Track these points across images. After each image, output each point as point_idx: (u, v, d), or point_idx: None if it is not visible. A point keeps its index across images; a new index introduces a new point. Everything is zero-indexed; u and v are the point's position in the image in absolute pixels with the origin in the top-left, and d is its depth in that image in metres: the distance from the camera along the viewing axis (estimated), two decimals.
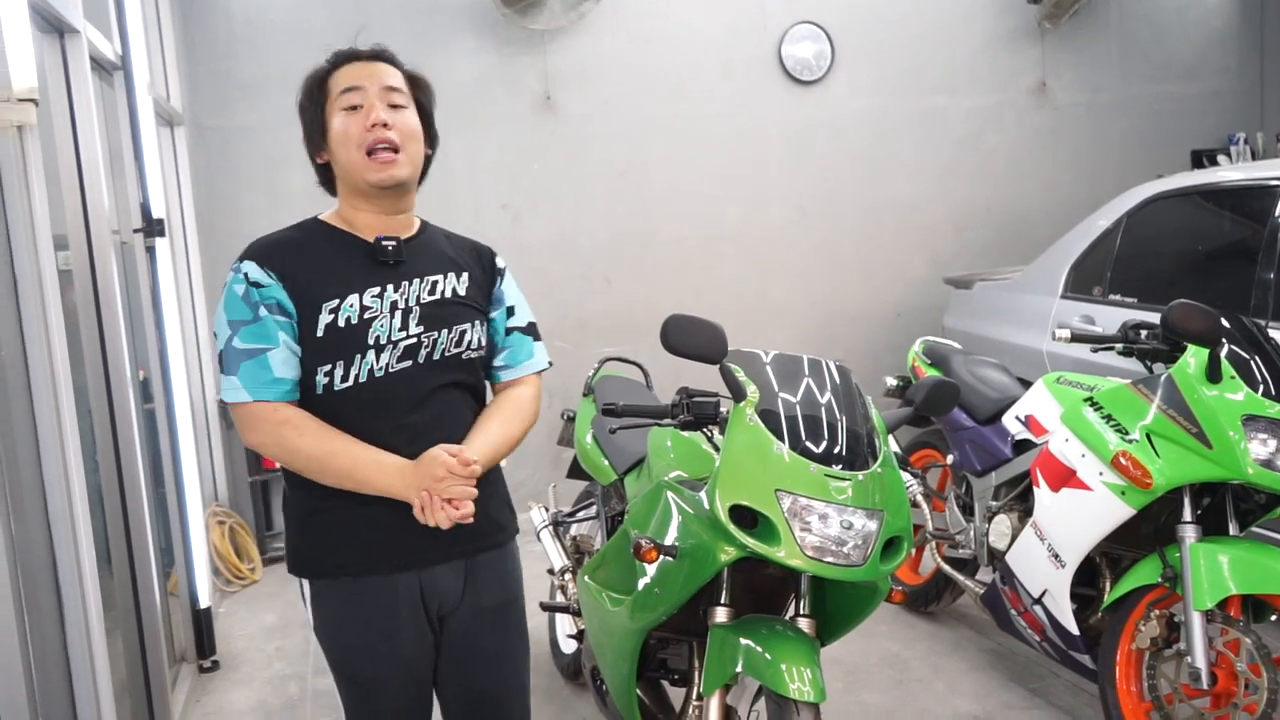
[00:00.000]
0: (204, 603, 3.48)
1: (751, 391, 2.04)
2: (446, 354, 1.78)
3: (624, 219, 5.40)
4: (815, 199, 5.73)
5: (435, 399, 1.77)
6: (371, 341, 1.70)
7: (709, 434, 2.31)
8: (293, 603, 4.17)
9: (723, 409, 2.15)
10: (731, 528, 1.88)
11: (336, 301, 1.69)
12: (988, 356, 3.68)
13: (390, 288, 1.74)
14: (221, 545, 4.40)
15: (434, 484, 1.63)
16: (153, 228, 3.28)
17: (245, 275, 1.68)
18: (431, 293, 1.79)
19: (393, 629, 1.75)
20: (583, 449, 3.08)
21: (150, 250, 3.30)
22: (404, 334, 1.73)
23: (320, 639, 1.79)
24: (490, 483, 1.84)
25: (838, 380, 2.13)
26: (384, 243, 1.76)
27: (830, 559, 1.87)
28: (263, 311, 1.65)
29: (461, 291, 1.84)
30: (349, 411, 1.69)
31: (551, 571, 3.22)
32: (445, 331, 1.78)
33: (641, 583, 2.16)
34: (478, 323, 1.85)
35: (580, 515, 3.20)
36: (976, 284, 4.93)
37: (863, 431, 2.05)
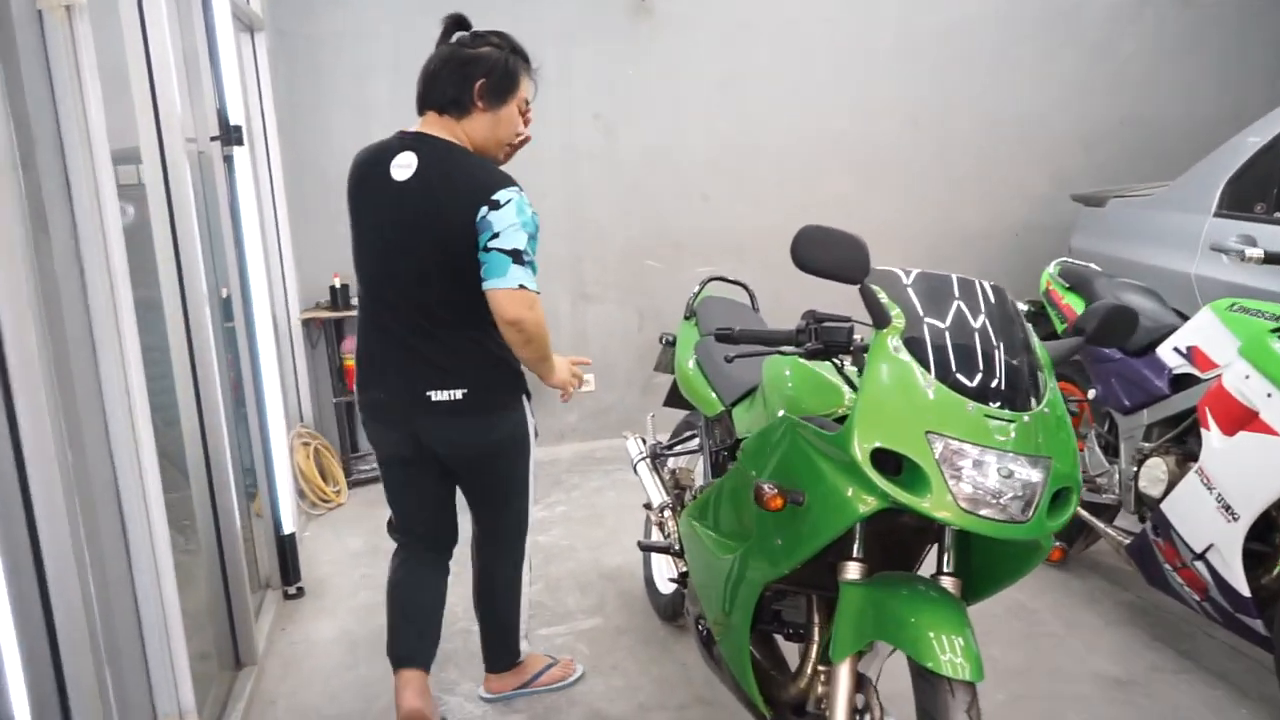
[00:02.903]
0: (288, 528, 3.37)
1: (896, 316, 1.75)
2: None
3: (723, 132, 5.06)
4: (929, 110, 5.29)
5: None
6: None
7: (838, 364, 2.03)
8: (379, 528, 4.05)
9: (856, 336, 1.87)
10: (874, 475, 1.62)
11: None
12: (1133, 279, 3.29)
13: None
14: (306, 467, 4.31)
15: (573, 378, 2.55)
16: (231, 136, 3.09)
17: (529, 203, 2.25)
18: None
19: None
20: (684, 376, 2.83)
21: (228, 160, 3.12)
22: None
23: (532, 431, 2.53)
24: None
25: (993, 303, 1.83)
26: None
27: (988, 513, 1.60)
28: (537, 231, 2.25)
29: None
30: None
31: (648, 507, 3.00)
32: None
33: (761, 531, 1.92)
34: None
35: (680, 448, 2.96)
36: (1110, 201, 4.48)
37: (1024, 364, 1.75)
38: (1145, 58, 5.46)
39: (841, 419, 2.00)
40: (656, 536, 3.09)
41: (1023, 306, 3.52)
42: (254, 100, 4.19)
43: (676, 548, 2.67)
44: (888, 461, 1.65)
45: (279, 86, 4.43)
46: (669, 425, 3.23)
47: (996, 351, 1.73)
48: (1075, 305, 3.20)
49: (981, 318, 1.78)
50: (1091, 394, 3.06)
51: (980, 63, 5.30)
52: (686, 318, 3.04)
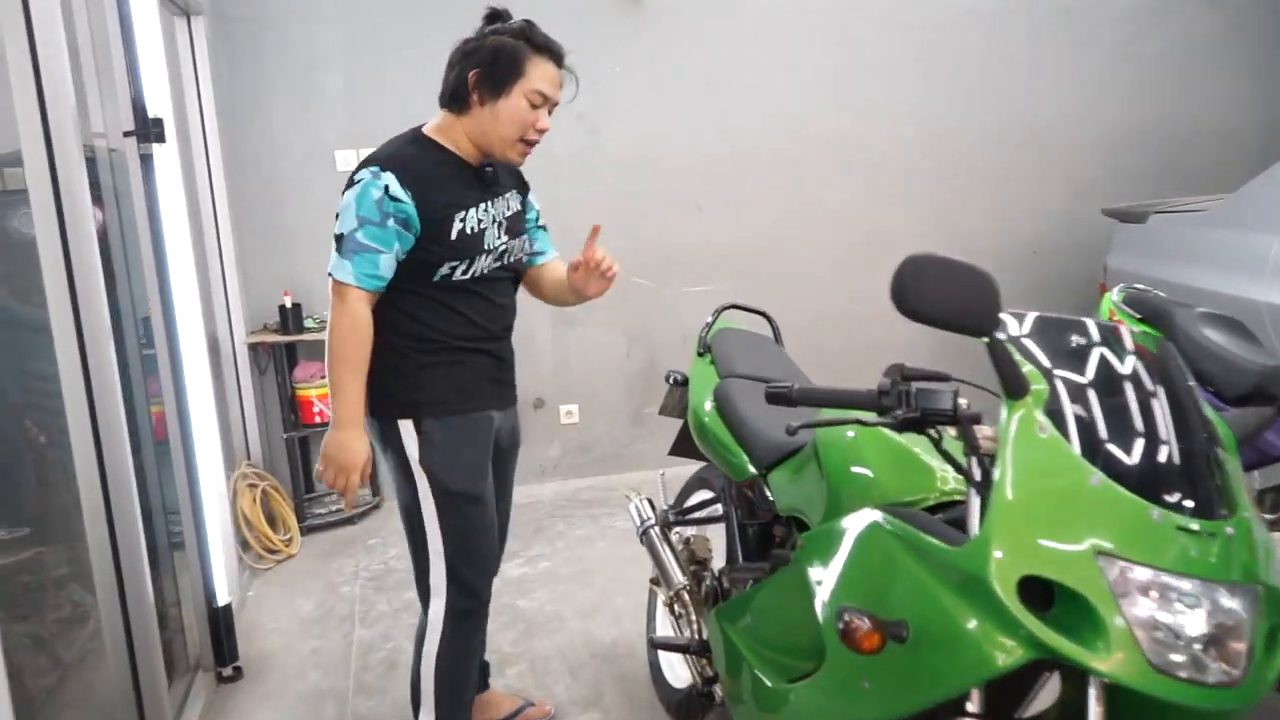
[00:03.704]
0: (223, 597, 2.84)
1: (1035, 383, 1.28)
2: (517, 257, 2.20)
3: (716, 135, 4.58)
4: (936, 115, 4.85)
5: (508, 288, 2.21)
6: (486, 247, 2.07)
7: (935, 436, 1.56)
8: (335, 586, 3.54)
9: (961, 400, 1.39)
10: (1022, 615, 1.15)
11: (464, 213, 2.02)
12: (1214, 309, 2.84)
13: (489, 204, 2.09)
14: (252, 513, 3.77)
15: (343, 478, 2.04)
16: (149, 131, 2.56)
17: (386, 186, 1.94)
18: (508, 209, 2.16)
19: (486, 452, 2.16)
20: (701, 427, 2.33)
21: (146, 160, 2.58)
22: (500, 242, 2.11)
23: (426, 467, 2.06)
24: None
25: (1153, 363, 1.37)
26: (487, 168, 2.11)
27: (1188, 673, 1.13)
28: (390, 223, 1.95)
29: (519, 206, 2.21)
30: (459, 296, 2.07)
31: (656, 584, 2.51)
32: (519, 240, 2.19)
33: (838, 664, 1.44)
34: (528, 231, 2.26)
35: (697, 515, 2.47)
36: (1152, 217, 4.05)
37: (1203, 449, 1.29)
38: (1173, 59, 5.06)
39: (934, 509, 1.53)
40: (665, 622, 2.60)
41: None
42: (190, 92, 3.66)
43: (695, 644, 2.18)
44: (1034, 589, 1.18)
45: (219, 77, 3.89)
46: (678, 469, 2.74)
47: (1165, 432, 1.27)
48: (1147, 340, 2.74)
49: (1143, 386, 1.33)
50: None
51: (991, 63, 4.87)
52: (700, 354, 2.55)
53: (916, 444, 1.61)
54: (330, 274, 1.95)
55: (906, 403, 1.40)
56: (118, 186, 2.54)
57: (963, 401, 1.39)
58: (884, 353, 5.02)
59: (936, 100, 4.83)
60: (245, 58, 4.00)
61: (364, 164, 1.98)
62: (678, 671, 2.56)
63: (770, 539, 2.13)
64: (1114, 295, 3.04)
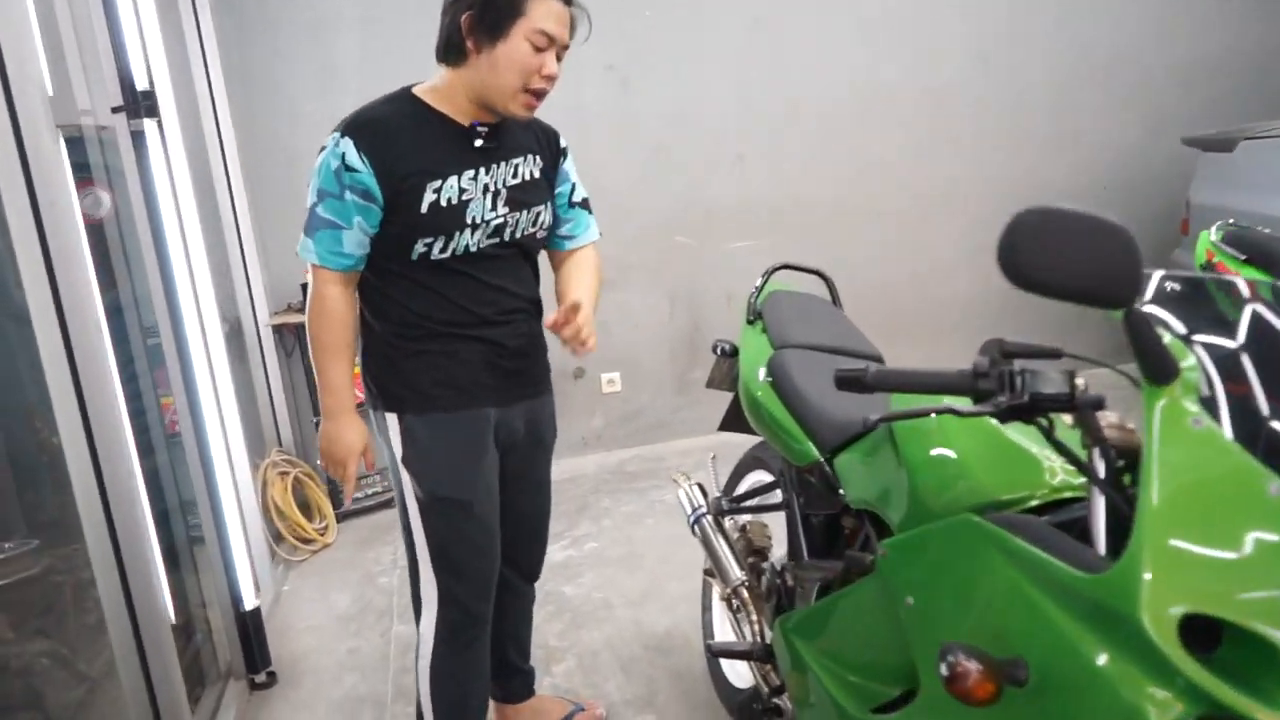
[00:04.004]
0: (249, 602, 2.67)
1: (1186, 367, 1.03)
2: (525, 232, 1.89)
3: (756, 83, 4.28)
4: (998, 48, 4.50)
5: (510, 267, 1.90)
6: (469, 221, 1.79)
7: (1044, 424, 1.30)
8: (372, 577, 3.37)
9: (1078, 380, 1.14)
10: (1190, 667, 0.90)
11: (439, 182, 1.76)
12: None
13: (482, 171, 1.81)
14: (284, 502, 3.61)
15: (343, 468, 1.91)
16: (139, 106, 2.35)
17: (342, 155, 1.72)
18: (514, 176, 1.87)
19: (479, 454, 1.90)
20: (754, 404, 2.09)
21: (138, 136, 2.38)
22: (494, 214, 1.82)
23: (411, 467, 1.86)
24: (543, 335, 1.99)
25: None
26: (479, 129, 1.81)
27: None
28: (348, 195, 1.73)
29: (536, 174, 1.91)
30: (441, 276, 1.81)
31: (710, 575, 2.29)
32: (525, 213, 1.87)
33: (939, 709, 1.20)
34: (549, 203, 1.95)
35: (753, 501, 2.24)
36: (1240, 144, 3.70)
37: None
38: None
39: (1041, 510, 1.28)
40: (722, 617, 2.39)
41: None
42: (196, 63, 3.44)
43: (758, 648, 1.95)
44: (1195, 630, 0.93)
45: (227, 47, 3.68)
46: (729, 451, 2.51)
47: None
48: (1263, 292, 2.44)
49: None
50: None
51: None
52: (750, 321, 2.30)
53: (1015, 429, 1.36)
54: (298, 253, 1.79)
55: (1011, 386, 1.15)
56: (109, 165, 2.34)
57: (1080, 381, 1.14)
58: (950, 313, 4.74)
59: (998, 34, 4.48)
60: (253, 24, 3.77)
61: (332, 131, 1.76)
62: (739, 670, 2.34)
63: (838, 531, 1.89)
64: (1212, 234, 2.73)
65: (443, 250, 1.77)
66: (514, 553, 2.08)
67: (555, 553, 3.35)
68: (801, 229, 4.36)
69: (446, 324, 1.82)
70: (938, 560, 1.24)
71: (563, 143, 2.01)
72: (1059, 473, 1.29)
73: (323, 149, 1.74)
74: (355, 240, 1.76)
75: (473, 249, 1.80)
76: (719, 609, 2.47)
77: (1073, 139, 4.61)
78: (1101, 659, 0.97)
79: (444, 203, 1.76)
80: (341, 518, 3.88)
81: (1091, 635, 0.99)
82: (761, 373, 2.12)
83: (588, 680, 2.61)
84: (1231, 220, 2.78)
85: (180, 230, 2.52)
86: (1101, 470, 1.12)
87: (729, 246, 4.36)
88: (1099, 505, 1.12)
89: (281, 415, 3.92)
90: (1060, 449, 1.18)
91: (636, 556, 3.33)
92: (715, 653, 2.03)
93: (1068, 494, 1.27)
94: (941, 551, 1.23)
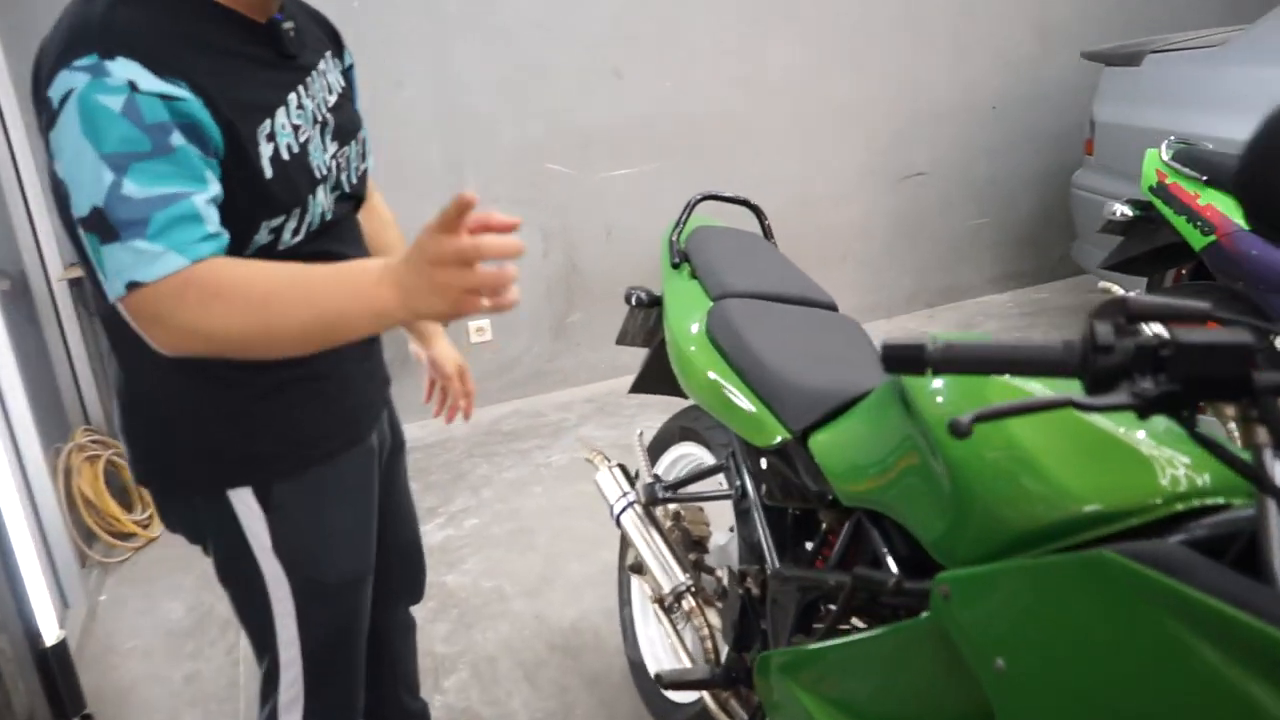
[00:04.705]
0: (51, 635, 2.12)
1: None
2: (358, 172, 1.34)
3: None
4: None
5: (353, 229, 1.36)
6: (317, 172, 1.21)
7: (1186, 414, 0.93)
8: (210, 577, 2.82)
9: None
10: None
11: (269, 122, 1.14)
12: None
13: (302, 92, 1.21)
14: (94, 492, 3.00)
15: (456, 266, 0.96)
16: None
17: (129, 84, 1.00)
18: (329, 92, 1.28)
19: (371, 502, 1.41)
20: (688, 366, 1.69)
21: None
22: (328, 158, 1.24)
23: (285, 555, 1.28)
24: None
25: None
26: (284, 24, 1.20)
27: None
28: (175, 138, 1.02)
29: (342, 83, 1.34)
30: None
31: (637, 571, 1.90)
32: (354, 145, 1.32)
33: None
34: (364, 125, 1.37)
35: (695, 485, 1.85)
36: (1146, 58, 3.49)
37: None
38: None
39: (1158, 527, 0.93)
40: (645, 618, 2.02)
41: (1122, 209, 2.54)
42: None
43: (721, 674, 1.58)
44: None
45: None
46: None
47: None
48: (1224, 205, 2.20)
49: None
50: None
51: None
52: (675, 264, 1.89)
53: (1114, 417, 1.00)
54: (130, 285, 1.00)
55: (1154, 366, 0.80)
56: None
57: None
58: (840, 240, 4.46)
59: None
60: None
61: (57, 62, 1.02)
62: (667, 667, 1.98)
63: (812, 527, 1.53)
64: (1162, 153, 2.47)
65: (296, 230, 1.18)
66: (394, 583, 1.60)
67: (431, 533, 2.90)
68: (687, 153, 3.95)
69: None
70: (1048, 612, 0.87)
71: (331, 22, 1.40)
72: (1181, 478, 0.94)
73: (68, 88, 0.99)
74: (209, 205, 1.04)
75: (328, 217, 1.24)
76: (642, 605, 2.10)
77: (964, 53, 4.34)
78: None
79: (285, 153, 1.15)
80: None
81: None
82: (696, 327, 1.73)
83: (487, 695, 2.20)
84: (1174, 137, 2.54)
85: None
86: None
87: (608, 174, 3.91)
88: (1275, 525, 0.80)
89: (88, 387, 3.27)
90: (1208, 445, 0.83)
91: (527, 533, 2.91)
92: (667, 684, 1.65)
93: (1195, 503, 0.93)
94: (1054, 599, 0.87)
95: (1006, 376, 1.02)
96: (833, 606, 1.33)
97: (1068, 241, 3.95)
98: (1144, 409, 0.81)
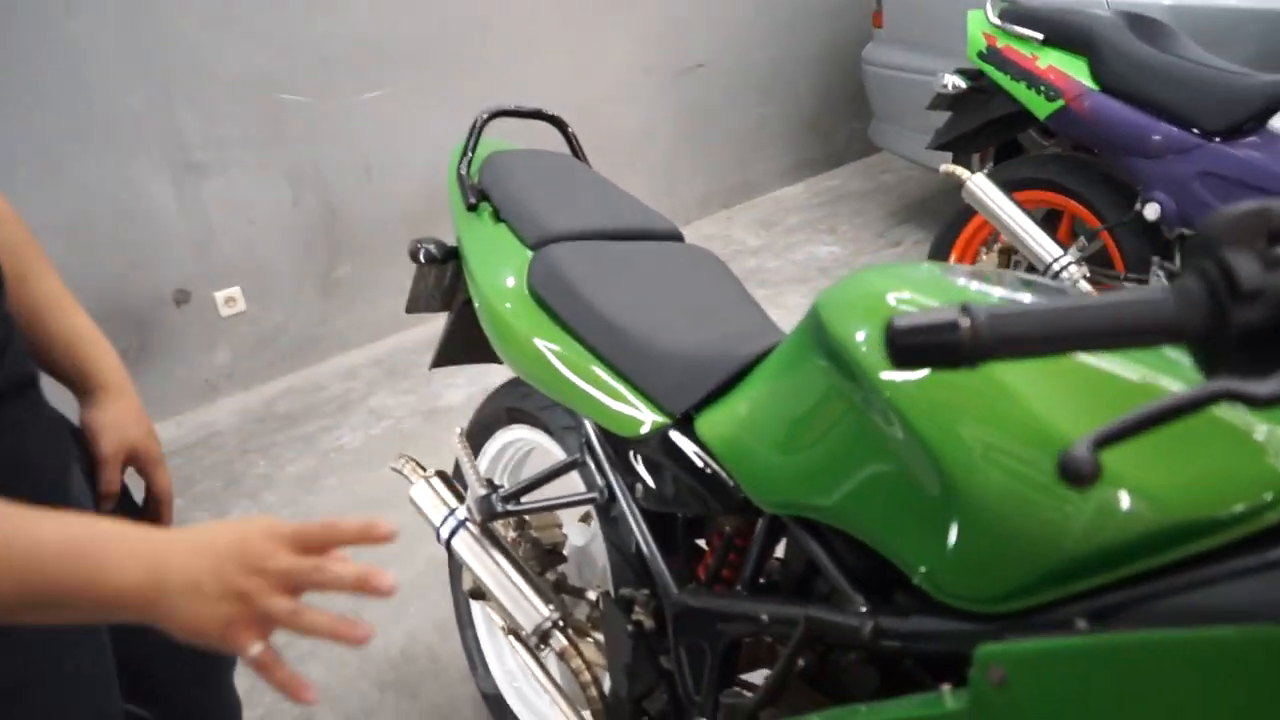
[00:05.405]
0: None
1: None
2: None
3: None
4: None
5: None
6: None
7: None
8: None
9: None
10: None
11: None
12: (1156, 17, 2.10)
13: None
14: None
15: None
16: None
17: None
18: None
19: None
20: (509, 335, 1.29)
21: None
22: None
23: None
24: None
25: None
26: None
27: None
28: None
29: None
30: None
31: (478, 597, 1.50)
32: None
33: None
34: None
35: (545, 487, 1.45)
36: None
37: None
38: None
39: (1274, 536, 0.62)
40: (495, 644, 1.64)
41: (952, 80, 2.30)
42: None
43: None
44: None
45: None
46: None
47: None
48: (1068, 65, 1.98)
49: None
50: (1152, 211, 1.90)
51: None
52: (470, 206, 1.46)
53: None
54: None
55: None
56: None
57: None
58: (621, 146, 4.11)
59: None
60: None
61: None
62: (539, 709, 1.62)
63: (704, 526, 1.19)
64: (989, 14, 2.22)
65: None
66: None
67: None
68: (445, 64, 3.44)
69: None
70: (1196, 715, 0.56)
71: None
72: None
73: None
74: None
75: None
76: (489, 629, 1.71)
77: None
78: None
79: None
80: None
81: None
82: (512, 281, 1.32)
83: None
84: None
85: None
86: None
87: (355, 98, 3.35)
88: None
89: None
90: None
91: None
92: None
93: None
94: (1204, 692, 0.56)
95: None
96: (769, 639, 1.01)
97: (853, 122, 3.76)
98: (1267, 404, 0.50)
